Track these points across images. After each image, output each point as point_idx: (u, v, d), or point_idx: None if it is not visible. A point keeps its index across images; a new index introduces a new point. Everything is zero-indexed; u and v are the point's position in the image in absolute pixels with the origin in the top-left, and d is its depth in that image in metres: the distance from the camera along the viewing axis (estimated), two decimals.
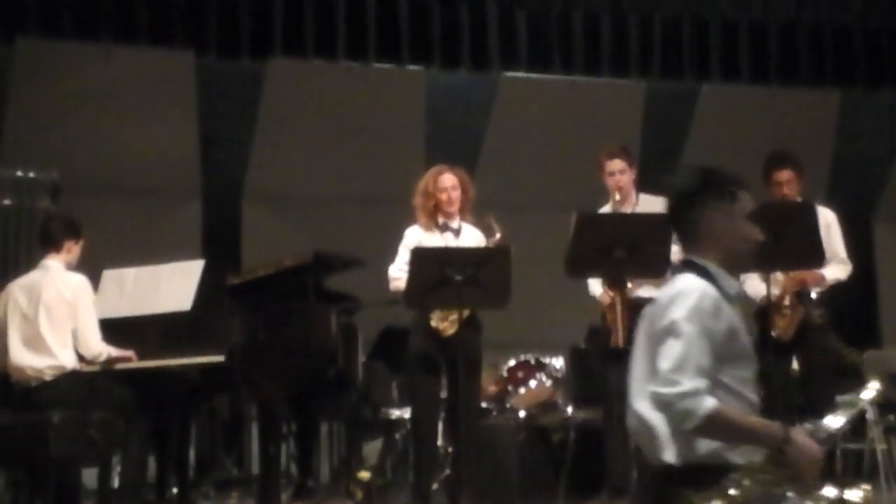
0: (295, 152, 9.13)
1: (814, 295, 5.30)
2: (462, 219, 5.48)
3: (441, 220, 5.43)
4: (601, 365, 5.48)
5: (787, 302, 5.23)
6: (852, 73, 9.62)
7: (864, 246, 10.10)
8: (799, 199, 5.41)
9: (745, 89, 9.58)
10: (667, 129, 9.78)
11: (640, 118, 9.58)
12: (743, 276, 5.33)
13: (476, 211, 5.52)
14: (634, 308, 5.18)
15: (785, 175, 5.35)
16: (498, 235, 5.34)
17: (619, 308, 5.19)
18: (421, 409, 5.37)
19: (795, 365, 5.69)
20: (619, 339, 5.16)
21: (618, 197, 5.42)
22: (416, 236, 5.42)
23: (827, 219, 5.37)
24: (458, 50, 9.09)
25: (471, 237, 5.44)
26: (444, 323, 5.24)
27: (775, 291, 5.26)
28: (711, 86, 9.56)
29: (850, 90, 9.78)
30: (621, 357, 5.11)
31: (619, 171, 5.42)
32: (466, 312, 5.21)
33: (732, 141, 9.23)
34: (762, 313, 5.33)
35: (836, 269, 5.35)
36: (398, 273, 5.40)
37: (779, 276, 5.28)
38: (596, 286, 5.46)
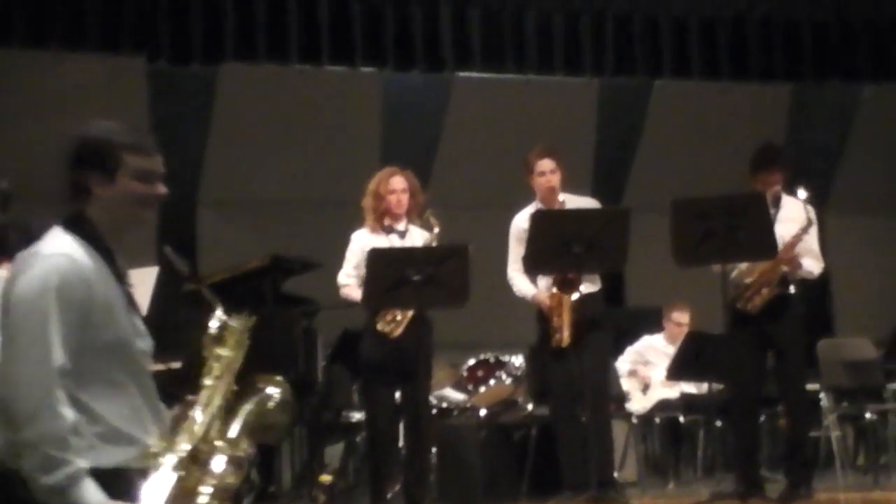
0: (249, 157, 9.06)
1: (792, 290, 5.35)
2: (409, 221, 5.46)
3: (387, 222, 5.41)
4: (543, 365, 5.47)
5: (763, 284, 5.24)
6: (802, 67, 9.74)
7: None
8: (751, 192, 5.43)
9: (697, 84, 9.66)
10: (621, 126, 9.84)
11: (594, 115, 9.63)
12: None
13: (435, 211, 5.50)
14: (576, 305, 5.22)
15: (778, 178, 5.40)
16: (436, 230, 5.32)
17: (566, 307, 5.20)
18: (376, 418, 5.34)
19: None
20: (564, 337, 5.18)
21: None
22: (362, 240, 5.40)
23: (810, 215, 5.41)
24: (411, 51, 9.08)
25: (417, 239, 5.43)
26: (391, 325, 5.23)
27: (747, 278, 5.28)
28: (664, 82, 9.63)
29: (800, 84, 9.90)
30: (566, 355, 5.17)
31: (549, 171, 5.40)
32: (411, 313, 5.20)
33: (686, 135, 9.31)
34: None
35: (812, 263, 5.41)
36: (346, 279, 5.39)
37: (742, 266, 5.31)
38: (526, 286, 5.43)
